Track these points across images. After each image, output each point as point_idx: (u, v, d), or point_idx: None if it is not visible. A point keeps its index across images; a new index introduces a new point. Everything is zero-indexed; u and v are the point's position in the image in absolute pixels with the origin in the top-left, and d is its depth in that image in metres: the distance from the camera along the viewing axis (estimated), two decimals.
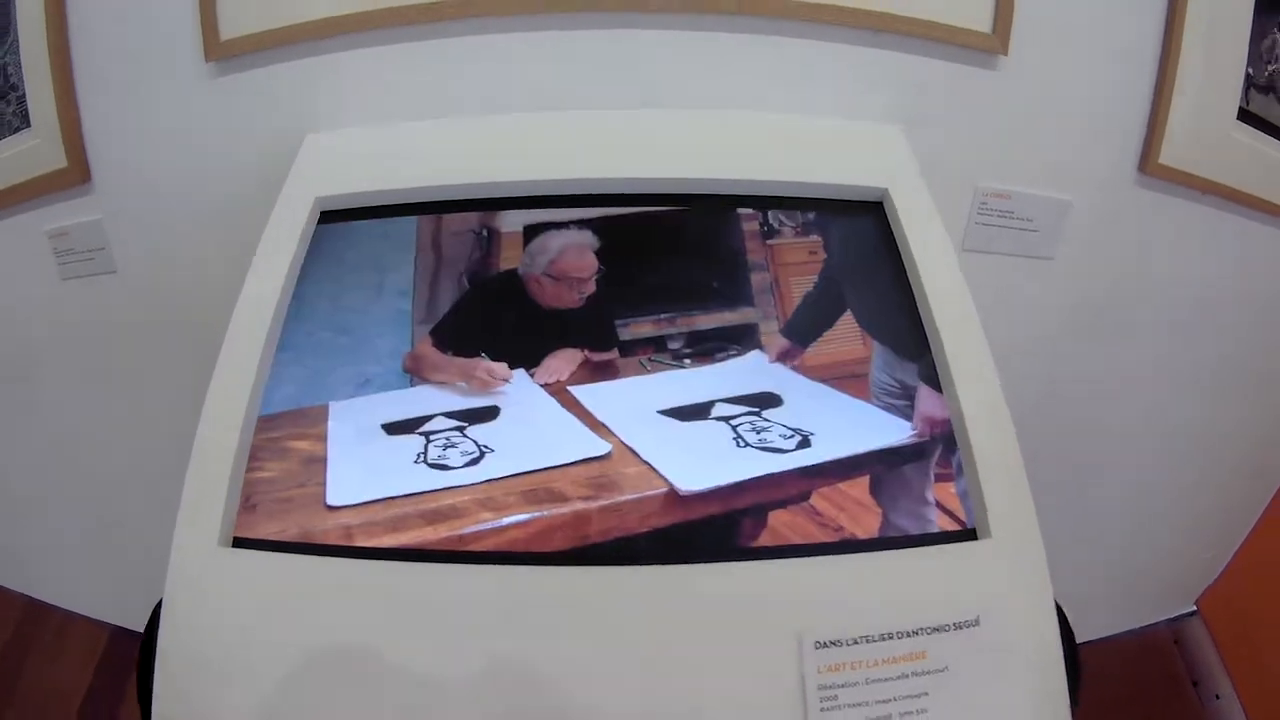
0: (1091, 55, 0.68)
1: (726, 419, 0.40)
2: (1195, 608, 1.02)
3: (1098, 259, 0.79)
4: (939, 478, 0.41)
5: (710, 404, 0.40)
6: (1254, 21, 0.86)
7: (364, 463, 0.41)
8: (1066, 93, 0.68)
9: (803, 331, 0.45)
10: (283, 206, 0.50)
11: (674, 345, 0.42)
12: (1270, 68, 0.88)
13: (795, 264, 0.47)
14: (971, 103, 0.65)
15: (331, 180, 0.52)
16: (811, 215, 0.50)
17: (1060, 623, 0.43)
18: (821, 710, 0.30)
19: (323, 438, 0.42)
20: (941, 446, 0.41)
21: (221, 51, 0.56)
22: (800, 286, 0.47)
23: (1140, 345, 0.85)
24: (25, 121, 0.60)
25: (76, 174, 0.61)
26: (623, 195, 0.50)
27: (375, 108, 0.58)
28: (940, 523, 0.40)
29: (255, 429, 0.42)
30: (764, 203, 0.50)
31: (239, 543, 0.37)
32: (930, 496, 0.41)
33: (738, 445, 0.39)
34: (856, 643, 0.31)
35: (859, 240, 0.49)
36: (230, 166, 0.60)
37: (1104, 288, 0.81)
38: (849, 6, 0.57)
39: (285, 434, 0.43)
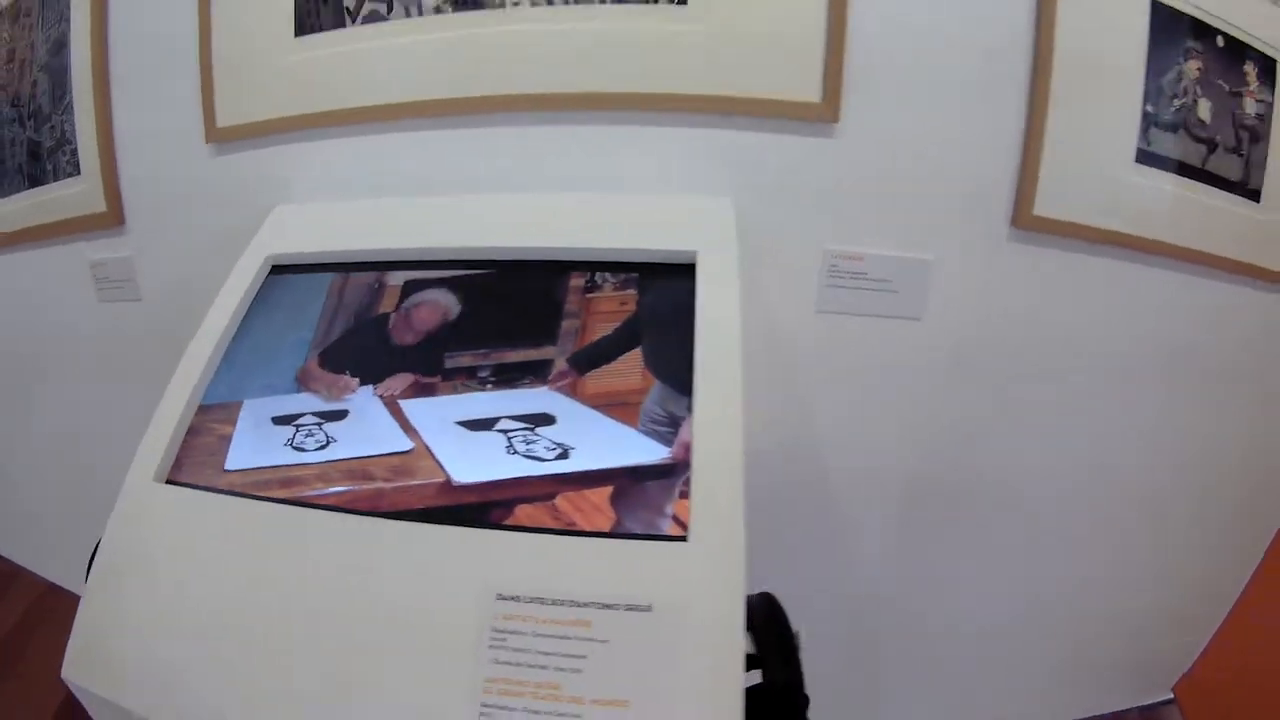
0: (939, 111, 0.70)
1: (505, 431, 0.51)
2: (1172, 695, 0.98)
3: (972, 319, 0.77)
4: (685, 495, 0.50)
5: (496, 419, 0.52)
6: (1150, 57, 0.78)
7: (253, 443, 0.55)
8: (913, 151, 0.70)
9: (584, 361, 0.56)
10: (244, 260, 0.67)
11: (482, 374, 0.54)
12: (1178, 102, 0.81)
13: (604, 312, 0.58)
14: (810, 170, 0.70)
15: (283, 242, 0.69)
16: (635, 275, 0.61)
17: (784, 640, 0.49)
18: (489, 648, 0.40)
19: (234, 424, 0.57)
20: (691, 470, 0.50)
21: (217, 136, 0.75)
22: (603, 330, 0.57)
23: (1047, 408, 0.81)
24: (76, 170, 0.81)
25: (113, 218, 0.81)
26: (487, 261, 0.63)
27: (326, 187, 0.74)
28: (673, 532, 0.48)
29: (195, 413, 0.57)
30: (594, 266, 0.62)
31: (169, 482, 0.53)
32: (669, 510, 0.49)
33: (508, 452, 0.50)
34: (532, 601, 0.41)
35: (669, 296, 0.59)
36: (224, 224, 0.77)
37: (987, 350, 0.79)
38: (685, 93, 0.67)
39: (213, 419, 0.58)
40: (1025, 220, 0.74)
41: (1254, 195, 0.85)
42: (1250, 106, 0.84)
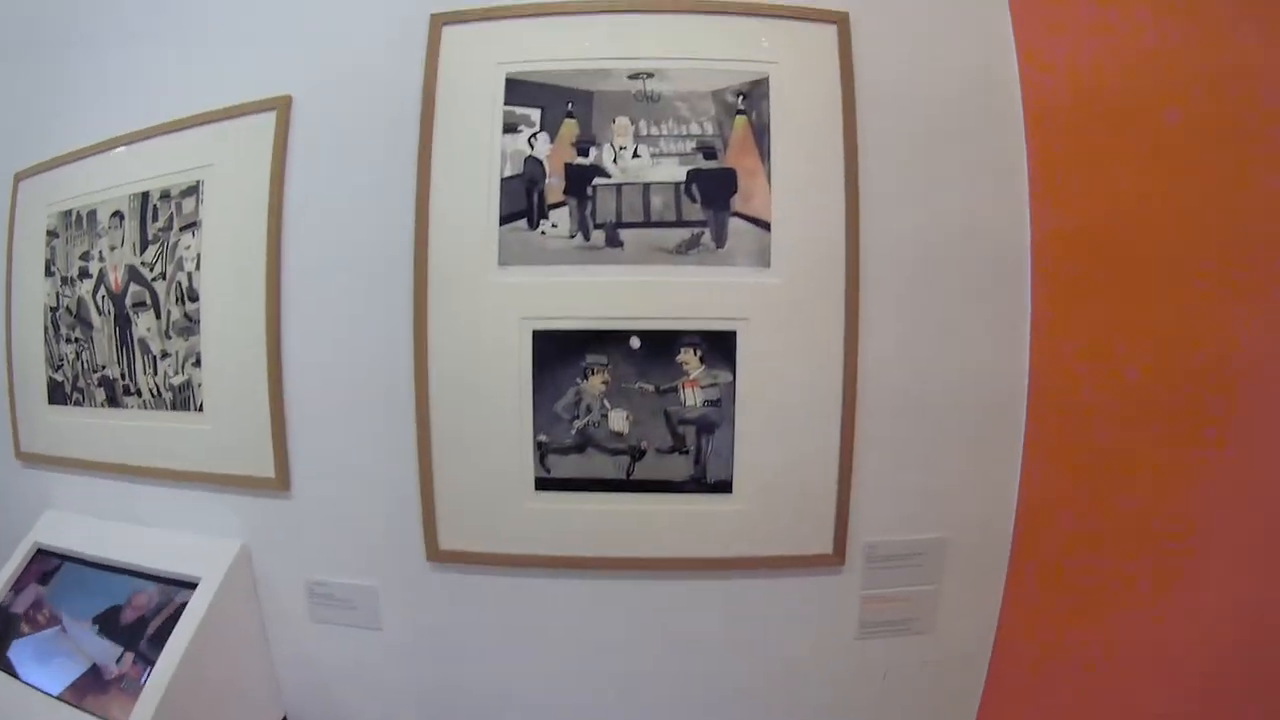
0: (355, 477, 0.95)
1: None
2: None
3: (423, 631, 0.96)
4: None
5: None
6: (536, 388, 0.76)
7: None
8: (341, 504, 0.98)
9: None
10: (20, 547, 1.29)
11: None
12: (579, 422, 0.78)
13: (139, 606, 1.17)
14: (281, 523, 1.04)
15: (46, 535, 1.29)
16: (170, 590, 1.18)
17: None
18: None
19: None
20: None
21: (21, 458, 1.38)
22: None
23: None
24: None
25: None
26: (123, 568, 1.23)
27: (75, 503, 1.25)
28: None
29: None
30: (157, 579, 1.18)
31: None
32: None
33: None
34: None
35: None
36: (26, 514, 1.27)
37: (437, 653, 0.95)
38: (204, 471, 1.12)
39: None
40: (435, 554, 0.90)
41: (724, 487, 0.77)
42: (694, 397, 0.77)
